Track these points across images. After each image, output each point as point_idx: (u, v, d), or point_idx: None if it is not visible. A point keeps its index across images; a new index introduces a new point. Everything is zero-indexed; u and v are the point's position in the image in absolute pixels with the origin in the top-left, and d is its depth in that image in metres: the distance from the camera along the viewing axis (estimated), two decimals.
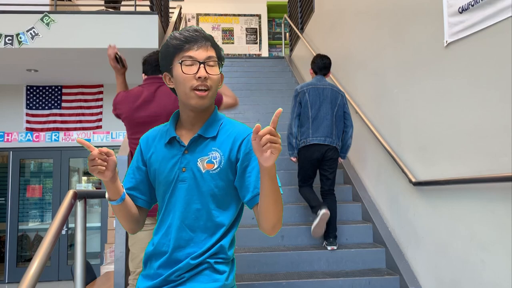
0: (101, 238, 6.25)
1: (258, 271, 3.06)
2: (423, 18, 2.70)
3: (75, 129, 6.48)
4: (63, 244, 6.26)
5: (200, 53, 1.18)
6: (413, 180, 2.75)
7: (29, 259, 6.36)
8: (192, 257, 1.18)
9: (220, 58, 1.23)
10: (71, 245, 6.32)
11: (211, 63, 1.19)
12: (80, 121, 6.51)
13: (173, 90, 1.26)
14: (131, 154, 2.41)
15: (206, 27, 10.02)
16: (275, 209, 1.13)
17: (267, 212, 1.13)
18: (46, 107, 6.47)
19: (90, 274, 3.44)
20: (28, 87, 6.46)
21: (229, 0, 10.13)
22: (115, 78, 2.45)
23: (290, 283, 2.86)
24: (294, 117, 3.36)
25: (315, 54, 3.74)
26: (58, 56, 4.98)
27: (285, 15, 8.12)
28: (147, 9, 5.28)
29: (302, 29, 6.76)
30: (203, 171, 1.20)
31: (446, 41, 2.41)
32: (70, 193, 1.89)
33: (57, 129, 6.45)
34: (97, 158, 1.09)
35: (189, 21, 9.91)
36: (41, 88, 6.49)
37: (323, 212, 3.04)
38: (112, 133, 6.52)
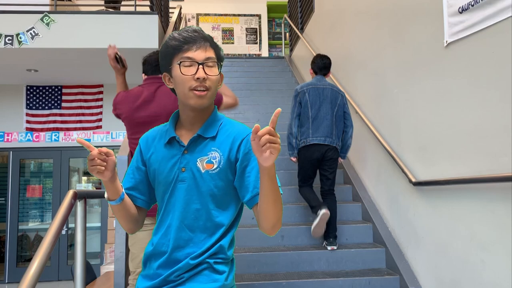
0: (101, 238, 6.25)
1: (258, 271, 3.06)
2: (423, 18, 2.70)
3: (75, 129, 6.48)
4: (63, 244, 6.26)
5: (198, 54, 1.18)
6: (413, 180, 2.75)
7: (29, 259, 6.36)
8: (192, 257, 1.18)
9: (220, 59, 1.23)
10: (71, 245, 6.32)
11: (210, 63, 1.19)
12: (80, 121, 6.51)
13: (172, 90, 1.26)
14: (131, 154, 2.41)
15: (206, 27, 10.02)
16: (274, 209, 1.13)
17: (267, 212, 1.13)
18: (46, 107, 6.47)
19: (90, 274, 3.44)
20: (28, 87, 6.47)
21: (229, 0, 10.13)
22: (115, 78, 2.45)
23: (290, 283, 2.86)
24: (294, 117, 3.36)
25: (315, 54, 3.74)
26: (58, 56, 4.98)
27: (285, 15, 8.12)
28: (147, 9, 5.28)
29: (302, 29, 6.76)
30: (203, 171, 1.20)
31: (446, 41, 2.41)
32: (70, 193, 1.89)
33: (57, 129, 6.45)
34: (96, 158, 1.09)
35: (189, 21, 9.91)
36: (41, 88, 6.49)
37: (323, 212, 3.04)
38: (112, 133, 6.52)
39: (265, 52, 10.19)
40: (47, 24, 4.56)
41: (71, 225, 6.27)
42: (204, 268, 1.19)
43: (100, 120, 6.53)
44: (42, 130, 6.42)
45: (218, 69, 1.22)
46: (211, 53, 1.20)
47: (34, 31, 4.54)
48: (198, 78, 1.16)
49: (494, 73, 2.04)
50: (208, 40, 1.21)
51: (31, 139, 6.39)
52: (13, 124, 6.37)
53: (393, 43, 3.17)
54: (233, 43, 10.13)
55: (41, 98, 6.47)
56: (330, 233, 3.19)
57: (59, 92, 6.53)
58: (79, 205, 2.09)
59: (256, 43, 10.21)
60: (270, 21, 10.52)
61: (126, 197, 1.24)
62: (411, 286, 2.76)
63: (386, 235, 3.21)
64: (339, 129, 3.37)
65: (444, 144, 2.47)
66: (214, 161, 1.21)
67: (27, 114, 6.42)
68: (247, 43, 10.19)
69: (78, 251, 2.03)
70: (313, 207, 3.19)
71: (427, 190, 2.68)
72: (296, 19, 7.23)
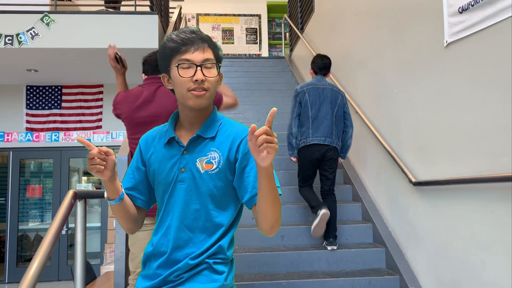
0: (101, 238, 6.25)
1: (258, 271, 3.06)
2: (423, 18, 2.70)
3: (75, 129, 6.48)
4: (63, 244, 6.26)
5: (196, 55, 1.17)
6: (413, 180, 2.75)
7: (29, 259, 6.36)
8: (191, 257, 1.18)
9: (218, 59, 1.23)
10: (71, 245, 6.32)
11: (208, 65, 1.19)
12: (80, 121, 6.51)
13: (172, 90, 1.26)
14: (131, 154, 2.41)
15: (206, 27, 10.02)
16: (273, 209, 1.13)
17: (266, 212, 1.13)
18: (46, 107, 6.47)
19: (90, 274, 3.44)
20: (28, 87, 6.46)
21: (229, 0, 10.13)
22: (115, 78, 2.45)
23: (290, 283, 2.86)
24: (294, 117, 3.36)
25: (315, 54, 3.74)
26: (58, 56, 4.98)
27: (285, 15, 8.12)
28: (147, 9, 5.28)
29: (302, 29, 6.76)
30: (202, 172, 1.20)
31: (446, 41, 2.41)
32: (70, 193, 1.89)
33: (57, 129, 6.45)
34: (96, 157, 1.09)
35: (189, 21, 9.91)
36: (41, 88, 6.49)
37: (323, 212, 3.04)
38: (112, 133, 6.52)
39: (265, 52, 10.19)
40: (47, 24, 4.56)
41: (71, 225, 6.27)
42: (204, 268, 1.19)
43: (100, 120, 6.53)
44: (42, 130, 6.42)
45: (217, 69, 1.22)
46: (209, 54, 1.20)
47: (34, 31, 4.54)
48: (196, 80, 1.16)
49: (494, 73, 2.04)
50: (206, 41, 1.21)
51: (31, 139, 6.39)
52: (13, 124, 6.37)
53: (393, 43, 3.17)
54: (233, 43, 10.13)
55: (41, 98, 6.47)
56: (330, 233, 3.18)
57: (59, 92, 6.53)
58: (79, 205, 2.09)
59: (256, 43, 10.21)
60: (270, 21, 10.52)
61: (126, 197, 1.24)
62: (411, 286, 2.76)
63: (386, 235, 3.21)
64: (339, 129, 3.37)
65: (444, 144, 2.47)
66: (213, 161, 1.21)
67: (27, 114, 6.42)
68: (247, 43, 10.19)
69: (78, 251, 2.03)
70: (313, 207, 3.19)
71: (427, 190, 2.68)
72: (296, 19, 7.23)
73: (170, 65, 1.20)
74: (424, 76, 2.69)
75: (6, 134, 6.35)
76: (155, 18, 4.70)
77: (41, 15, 4.56)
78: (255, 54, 10.10)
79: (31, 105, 6.45)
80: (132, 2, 5.45)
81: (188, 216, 1.21)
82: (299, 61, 6.95)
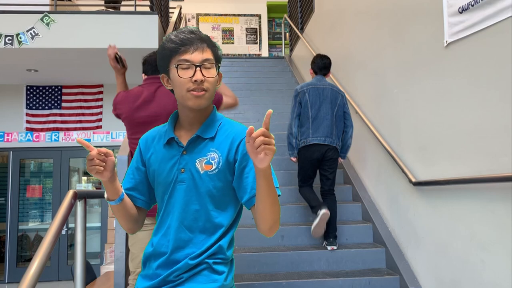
0: (101, 238, 6.25)
1: (258, 271, 3.06)
2: (423, 18, 2.70)
3: (75, 129, 6.48)
4: (63, 244, 6.26)
5: (196, 56, 1.17)
6: (413, 180, 2.75)
7: (29, 259, 6.36)
8: (191, 258, 1.18)
9: (217, 59, 1.22)
10: (71, 245, 6.32)
11: (208, 65, 1.19)
12: (80, 121, 6.51)
13: (171, 91, 1.26)
14: (131, 154, 2.41)
15: (206, 27, 10.02)
16: (271, 210, 1.13)
17: (264, 213, 1.13)
18: (46, 107, 6.47)
19: (90, 274, 3.44)
20: (28, 87, 6.47)
21: (229, 0, 10.13)
22: (115, 78, 2.45)
23: (290, 283, 2.86)
24: (294, 117, 3.36)
25: (315, 54, 3.74)
26: (58, 56, 4.98)
27: (285, 15, 8.11)
28: (147, 9, 5.28)
29: (302, 29, 6.76)
30: (202, 172, 1.20)
31: (446, 41, 2.41)
32: (70, 193, 1.89)
33: (57, 129, 6.45)
34: (95, 158, 1.09)
35: (189, 21, 9.91)
36: (41, 88, 6.49)
37: (323, 212, 3.04)
38: (112, 133, 6.52)
39: (265, 52, 10.19)
40: (47, 24, 4.56)
41: (71, 225, 6.27)
42: (203, 269, 1.19)
43: (100, 120, 6.53)
44: (42, 130, 6.42)
45: (216, 69, 1.21)
46: (208, 54, 1.19)
47: (34, 31, 4.54)
48: (196, 81, 1.16)
49: (494, 73, 2.04)
50: (205, 41, 1.20)
51: (31, 139, 6.39)
52: (13, 124, 6.37)
53: (393, 43, 3.17)
54: (233, 43, 10.13)
55: (41, 98, 6.47)
56: (330, 233, 3.19)
57: (59, 92, 6.53)
58: (79, 205, 2.09)
59: (256, 43, 10.21)
60: (270, 21, 10.52)
61: (126, 198, 1.24)
62: (411, 286, 2.76)
63: (386, 235, 3.21)
64: (339, 129, 3.37)
65: (444, 144, 2.47)
66: (213, 162, 1.21)
67: (27, 114, 6.42)
68: (247, 43, 10.19)
69: (78, 251, 2.03)
70: (313, 207, 3.19)
71: (427, 190, 2.68)
72: (296, 19, 7.23)
73: (169, 65, 1.20)
74: (424, 76, 2.69)
75: (6, 134, 6.35)
76: (155, 18, 4.70)
77: (41, 15, 4.56)
78: (255, 54, 10.10)
79: (31, 105, 6.45)
80: (132, 2, 5.45)
81: (188, 217, 1.20)
82: (299, 61, 6.95)
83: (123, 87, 2.42)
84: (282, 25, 9.87)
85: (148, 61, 2.32)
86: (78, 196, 1.98)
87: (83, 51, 4.74)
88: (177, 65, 1.17)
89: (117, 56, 2.37)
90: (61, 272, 6.18)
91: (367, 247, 3.22)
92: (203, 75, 1.17)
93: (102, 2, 6.06)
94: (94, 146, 1.10)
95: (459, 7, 2.26)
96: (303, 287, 2.87)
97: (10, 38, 4.52)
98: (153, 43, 4.60)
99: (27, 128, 6.39)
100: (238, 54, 9.96)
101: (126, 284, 2.62)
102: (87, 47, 4.64)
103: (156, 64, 2.25)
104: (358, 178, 3.92)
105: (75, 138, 6.41)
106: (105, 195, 1.19)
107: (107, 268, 3.81)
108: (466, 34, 2.23)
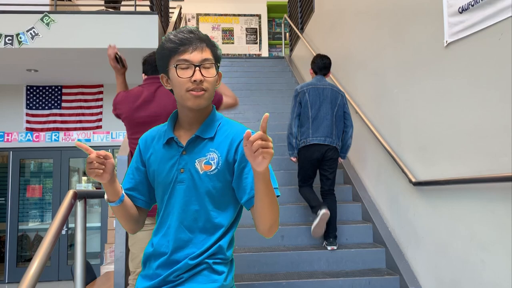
0: (101, 238, 6.25)
1: (258, 271, 3.06)
2: (423, 18, 2.70)
3: (75, 129, 6.48)
4: (63, 244, 6.26)
5: (195, 55, 1.17)
6: (413, 180, 2.75)
7: (29, 259, 6.36)
8: (191, 258, 1.18)
9: (217, 59, 1.22)
10: (71, 245, 6.33)
11: (207, 65, 1.18)
12: (80, 121, 6.51)
13: (171, 91, 1.25)
14: (131, 154, 2.41)
15: (206, 27, 10.02)
16: (270, 211, 1.13)
17: (263, 214, 1.13)
18: (46, 107, 6.47)
19: (90, 274, 3.44)
20: (28, 87, 6.47)
21: (229, 0, 10.13)
22: (115, 78, 2.45)
23: (290, 283, 2.86)
24: (294, 117, 3.36)
25: (315, 54, 3.74)
26: (58, 56, 4.98)
27: (285, 15, 8.11)
28: (147, 9, 5.28)
29: (302, 29, 6.76)
30: (201, 172, 1.20)
31: (446, 41, 2.41)
32: (70, 193, 1.89)
33: (57, 129, 6.46)
34: (95, 161, 1.09)
35: (189, 21, 9.91)
36: (41, 88, 6.49)
37: (323, 212, 3.04)
38: (112, 133, 6.52)
39: (265, 52, 10.19)
40: (47, 24, 4.57)
41: (71, 225, 6.27)
42: (203, 269, 1.19)
43: (100, 120, 6.53)
44: (42, 130, 6.42)
45: (216, 69, 1.21)
46: (207, 54, 1.19)
47: (34, 31, 4.54)
48: (195, 81, 1.15)
49: (494, 73, 2.04)
50: (205, 41, 1.20)
51: (31, 139, 6.39)
52: (13, 124, 6.37)
53: (393, 43, 3.17)
54: (233, 43, 10.13)
55: (41, 98, 6.47)
56: (330, 233, 3.19)
57: (59, 92, 6.53)
58: (79, 205, 2.09)
59: (256, 43, 10.21)
60: (270, 21, 10.52)
61: (126, 198, 1.24)
62: (411, 286, 2.76)
63: (386, 235, 3.21)
64: (339, 129, 3.37)
65: (444, 144, 2.47)
66: (212, 162, 1.20)
67: (27, 114, 6.42)
68: (247, 43, 10.19)
69: (78, 251, 2.03)
70: (313, 207, 3.19)
71: (427, 190, 2.68)
72: (296, 19, 7.23)
73: (169, 65, 1.20)
74: (424, 76, 2.69)
75: (6, 134, 6.36)
76: (155, 18, 4.71)
77: (41, 15, 4.56)
78: (255, 54, 10.10)
79: (31, 105, 6.45)
80: (132, 2, 5.45)
81: (188, 217, 1.20)
82: (299, 61, 6.95)
83: (123, 87, 2.42)
84: (282, 25, 9.87)
85: (148, 61, 2.32)
86: (78, 196, 1.98)
87: (83, 51, 4.74)
88: (176, 65, 1.17)
89: (117, 56, 2.37)
90: (61, 272, 6.18)
91: (367, 247, 3.22)
92: (202, 75, 1.16)
93: (102, 2, 6.06)
94: (95, 146, 1.10)
95: (459, 7, 2.26)
96: (303, 287, 2.87)
97: (10, 38, 4.52)
98: (153, 43, 4.60)
99: (27, 128, 6.39)
100: (238, 54, 9.96)
101: (126, 284, 2.62)
102: (87, 47, 4.64)
103: (156, 64, 2.25)
104: (358, 178, 3.92)
105: (75, 138, 6.41)
106: (105, 197, 1.19)
107: (107, 268, 3.81)
108: (466, 34, 2.23)
